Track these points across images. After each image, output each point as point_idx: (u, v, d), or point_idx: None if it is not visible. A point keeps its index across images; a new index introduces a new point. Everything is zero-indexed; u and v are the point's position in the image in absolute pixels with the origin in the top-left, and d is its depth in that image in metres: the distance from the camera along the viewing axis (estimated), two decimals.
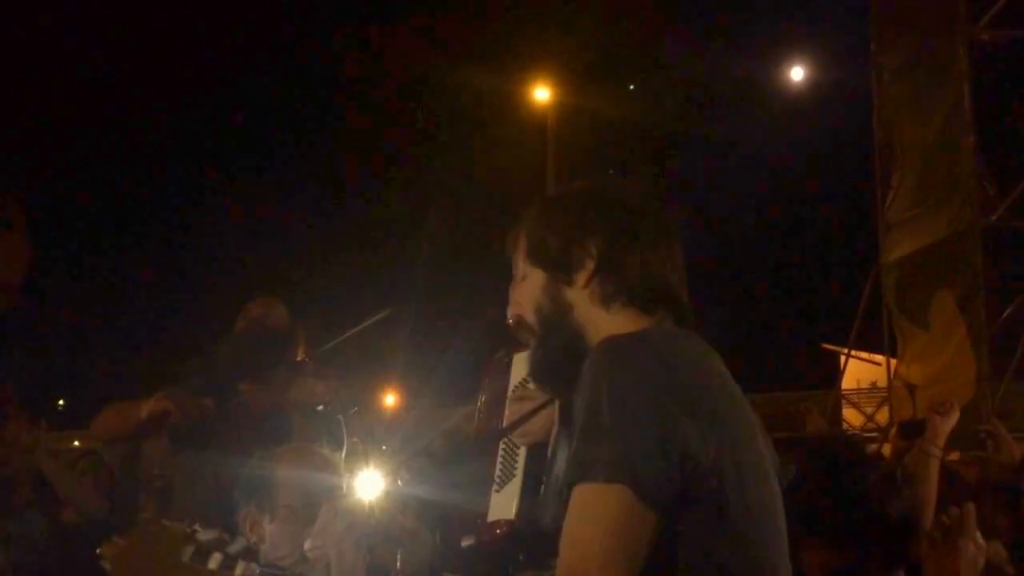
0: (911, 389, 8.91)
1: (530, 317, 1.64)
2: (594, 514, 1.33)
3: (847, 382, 11.13)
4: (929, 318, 9.05)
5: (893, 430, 8.46)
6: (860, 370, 11.14)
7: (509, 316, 1.69)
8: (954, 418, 3.44)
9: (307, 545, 1.70)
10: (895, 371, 9.56)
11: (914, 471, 3.15)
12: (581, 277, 1.59)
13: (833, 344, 12.38)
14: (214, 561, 1.35)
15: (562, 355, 1.59)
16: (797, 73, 13.13)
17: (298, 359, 3.41)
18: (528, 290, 1.64)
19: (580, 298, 1.59)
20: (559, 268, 1.60)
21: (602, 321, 1.57)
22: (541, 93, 14.00)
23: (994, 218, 8.60)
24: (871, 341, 10.41)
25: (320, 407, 3.46)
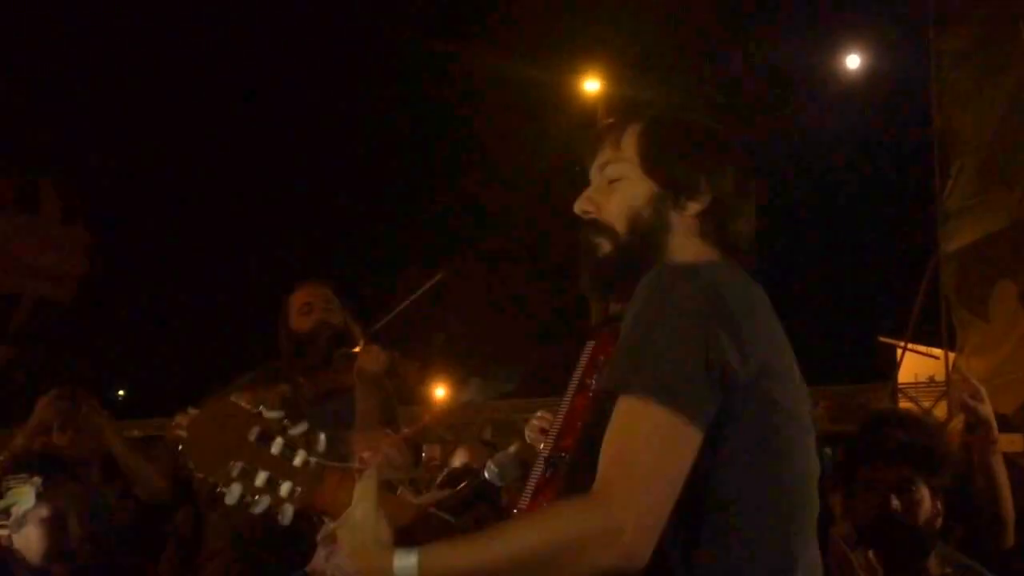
0: None
1: (619, 223, 1.60)
2: (637, 427, 1.33)
3: (904, 376, 10.94)
4: (990, 309, 8.84)
5: (953, 424, 8.31)
6: (917, 364, 10.93)
7: (579, 210, 1.64)
8: (987, 401, 3.40)
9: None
10: (954, 364, 9.36)
11: (982, 461, 3.12)
12: (694, 206, 1.59)
13: (890, 337, 12.13)
14: (276, 446, 1.39)
15: (638, 265, 1.56)
16: (853, 61, 12.88)
17: (356, 347, 3.42)
18: (626, 196, 1.61)
19: (683, 224, 1.59)
20: (677, 189, 1.59)
21: (692, 250, 1.58)
22: (591, 84, 13.93)
23: None
24: (929, 334, 10.20)
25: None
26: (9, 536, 2.72)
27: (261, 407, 1.41)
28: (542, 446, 2.15)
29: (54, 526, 2.71)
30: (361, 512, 1.37)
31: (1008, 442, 6.16)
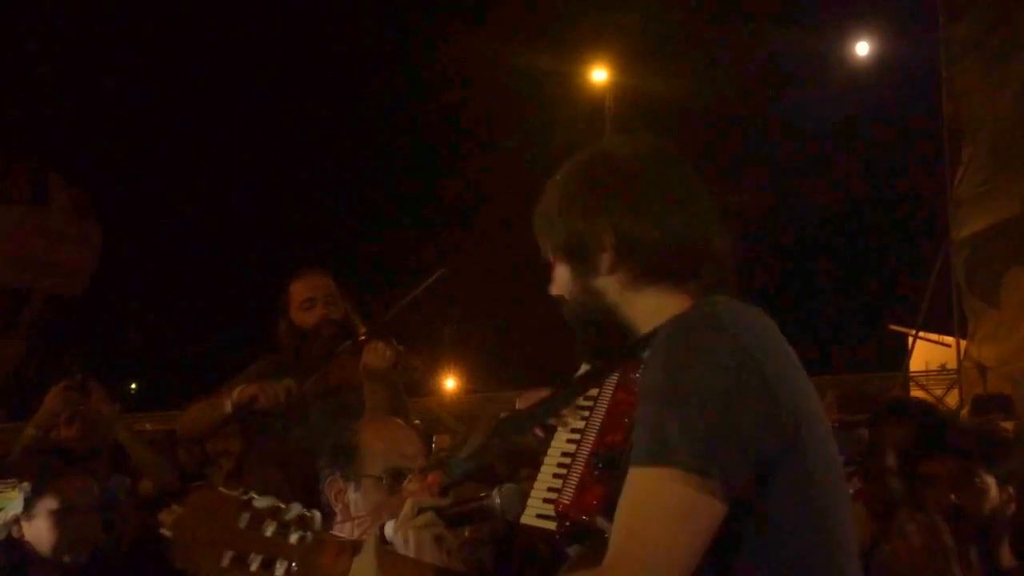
0: (982, 370, 8.69)
1: (567, 302, 1.57)
2: (657, 500, 1.26)
3: (915, 364, 10.89)
4: (1001, 296, 8.81)
5: (964, 410, 8.28)
6: (929, 351, 10.87)
7: (552, 293, 1.61)
8: None
9: (388, 530, 1.69)
10: (965, 351, 9.33)
11: None
12: (604, 263, 1.48)
13: (901, 325, 12.09)
14: (269, 528, 1.36)
15: (603, 337, 1.54)
16: (863, 48, 12.81)
17: (360, 337, 3.40)
18: (560, 281, 1.57)
19: (609, 284, 1.49)
20: (578, 259, 1.50)
21: (638, 303, 1.48)
22: (599, 74, 13.89)
23: None
24: (940, 322, 10.16)
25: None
26: (21, 529, 2.73)
27: (251, 494, 1.37)
28: (560, 439, 2.13)
29: (64, 517, 2.72)
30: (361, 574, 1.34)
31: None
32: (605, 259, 1.47)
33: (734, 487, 1.26)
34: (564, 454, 2.14)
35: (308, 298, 3.39)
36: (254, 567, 1.33)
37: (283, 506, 1.37)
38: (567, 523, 1.90)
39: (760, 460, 1.29)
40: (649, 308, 1.46)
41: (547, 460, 2.18)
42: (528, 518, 2.08)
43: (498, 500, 2.07)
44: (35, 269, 8.67)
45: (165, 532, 1.37)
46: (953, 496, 2.65)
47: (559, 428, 2.18)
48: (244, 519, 1.35)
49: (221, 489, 1.39)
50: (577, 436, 2.09)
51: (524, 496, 2.14)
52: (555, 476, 2.11)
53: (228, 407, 3.27)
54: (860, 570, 1.42)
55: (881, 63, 13.09)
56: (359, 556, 1.36)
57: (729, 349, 1.30)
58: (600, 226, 1.47)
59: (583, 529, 1.88)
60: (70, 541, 2.72)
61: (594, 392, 2.03)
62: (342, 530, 2.23)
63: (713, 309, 1.38)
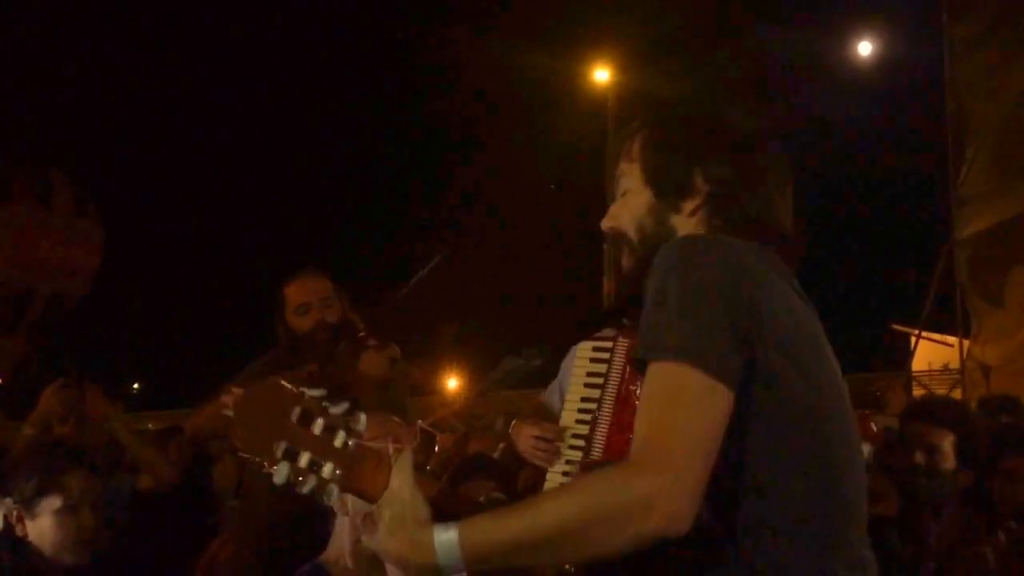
0: (985, 370, 8.67)
1: (631, 234, 1.60)
2: (671, 392, 1.31)
3: (918, 364, 10.87)
4: (1004, 296, 8.79)
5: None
6: (932, 351, 10.86)
7: (604, 226, 1.65)
8: None
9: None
10: (968, 351, 9.31)
11: None
12: (689, 205, 1.55)
13: (903, 325, 12.07)
14: (318, 427, 1.40)
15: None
16: (865, 48, 12.78)
17: (360, 333, 3.38)
18: (631, 207, 1.60)
19: (685, 225, 1.55)
20: (670, 192, 1.56)
21: None
22: (601, 74, 13.87)
23: None
24: (943, 321, 10.14)
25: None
26: (24, 529, 2.73)
27: (303, 388, 1.42)
28: (566, 454, 2.15)
29: (67, 516, 2.72)
30: (399, 491, 1.38)
31: None
32: (691, 203, 1.55)
33: (732, 370, 1.32)
34: (568, 461, 2.17)
35: (302, 303, 3.36)
36: (303, 463, 1.39)
37: (331, 402, 1.42)
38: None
39: (754, 352, 1.35)
40: None
41: (552, 470, 2.20)
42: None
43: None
44: (37, 269, 8.67)
45: (227, 412, 1.43)
46: None
47: (564, 415, 2.21)
48: (296, 413, 1.40)
49: (282, 381, 1.43)
50: (580, 442, 2.12)
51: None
52: (572, 448, 2.14)
53: (228, 408, 3.27)
54: (861, 477, 1.45)
55: (884, 63, 13.06)
56: (395, 473, 1.40)
57: (728, 258, 1.38)
58: (698, 171, 1.54)
59: None
60: (73, 541, 2.71)
61: (600, 371, 2.06)
62: (342, 526, 2.23)
63: (718, 236, 1.47)
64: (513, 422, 2.48)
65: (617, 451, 1.99)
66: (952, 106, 9.49)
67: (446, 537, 1.32)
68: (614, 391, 2.06)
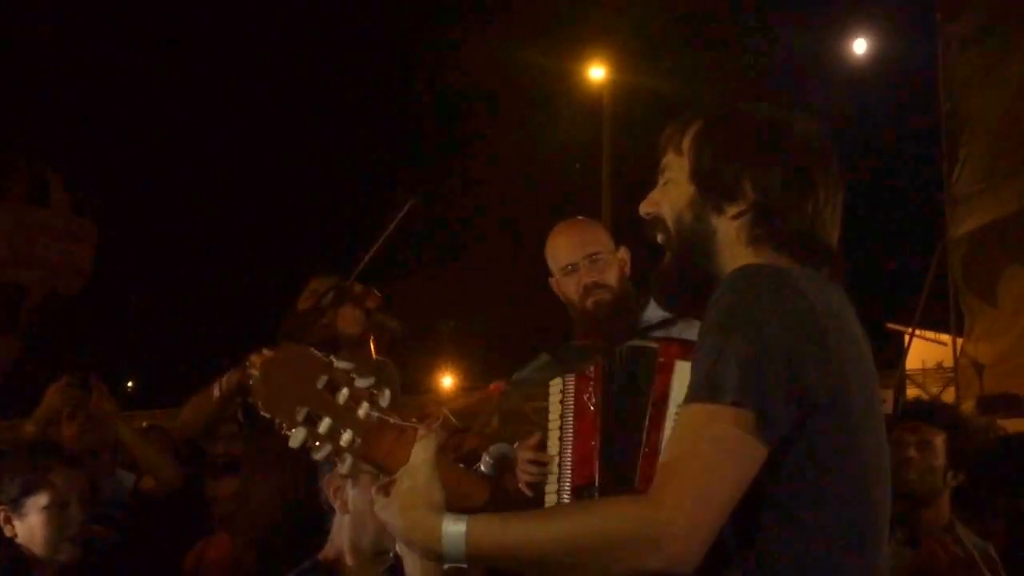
0: (979, 368, 8.70)
1: (669, 223, 1.58)
2: (704, 436, 1.30)
3: (912, 362, 10.89)
4: (998, 294, 8.82)
5: (964, 407, 8.28)
6: (925, 350, 10.90)
7: (642, 211, 1.62)
8: None
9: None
10: (962, 349, 9.34)
11: None
12: (733, 209, 1.51)
13: (897, 323, 12.09)
14: (342, 396, 1.40)
15: (689, 274, 1.55)
16: (860, 45, 12.80)
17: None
18: (672, 197, 1.57)
19: (725, 228, 1.52)
20: (714, 191, 1.53)
21: (744, 259, 1.50)
22: (596, 72, 13.88)
23: None
24: (937, 320, 10.17)
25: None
26: (13, 529, 2.72)
27: (332, 357, 1.42)
28: (553, 475, 2.16)
29: (55, 512, 2.71)
30: (418, 469, 1.37)
31: None
32: (735, 207, 1.52)
33: (777, 428, 1.31)
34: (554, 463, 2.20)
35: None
36: (323, 429, 1.39)
37: (357, 373, 1.42)
38: None
39: (804, 407, 1.33)
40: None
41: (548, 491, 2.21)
42: None
43: (489, 461, 2.09)
44: (34, 267, 8.66)
45: (253, 372, 1.44)
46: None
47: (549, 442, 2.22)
48: (322, 380, 1.40)
49: (310, 348, 1.44)
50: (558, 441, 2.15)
51: (512, 451, 2.18)
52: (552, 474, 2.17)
53: (216, 391, 3.23)
54: (884, 549, 1.44)
55: (879, 61, 13.09)
56: (417, 450, 1.39)
57: (790, 301, 1.36)
58: (748, 177, 1.51)
59: None
60: (62, 537, 2.71)
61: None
62: (341, 523, 2.23)
63: (784, 267, 1.44)
64: (516, 445, 2.44)
65: (581, 457, 2.02)
66: (946, 105, 9.51)
67: (454, 529, 1.32)
68: (571, 409, 2.10)
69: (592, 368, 2.05)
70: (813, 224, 1.51)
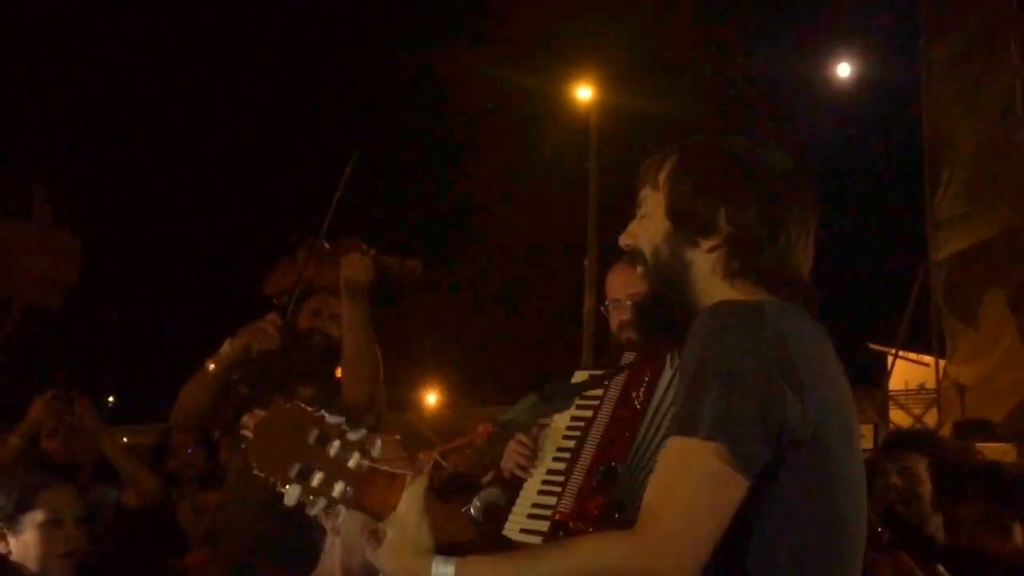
0: (961, 390, 8.75)
1: (647, 255, 1.59)
2: (688, 469, 1.32)
3: (895, 383, 10.96)
4: (979, 317, 8.89)
5: (944, 430, 8.32)
6: (908, 371, 10.96)
7: (621, 242, 1.64)
8: None
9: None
10: (944, 371, 9.40)
11: None
12: (707, 243, 1.53)
13: (880, 344, 12.18)
14: (333, 448, 1.43)
15: (666, 307, 1.57)
16: (844, 69, 12.94)
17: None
18: (649, 231, 1.59)
19: (701, 261, 1.54)
20: (689, 226, 1.54)
21: (720, 293, 1.52)
22: (584, 92, 13.96)
23: None
24: (919, 341, 10.24)
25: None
26: (7, 545, 2.70)
27: (323, 412, 1.45)
28: (557, 455, 2.14)
29: (51, 530, 2.69)
30: (407, 515, 1.40)
31: (1001, 452, 6.18)
32: (709, 242, 1.53)
33: (756, 462, 1.33)
34: (551, 471, 2.16)
35: (317, 308, 3.30)
36: (315, 482, 1.42)
37: (349, 426, 1.45)
38: (561, 532, 1.93)
39: (782, 443, 1.35)
40: (721, 298, 1.50)
41: (530, 479, 2.20)
42: (511, 532, 2.10)
43: (480, 506, 2.08)
44: (14, 280, 8.60)
45: (247, 434, 1.44)
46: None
47: (542, 450, 2.20)
48: (313, 435, 1.43)
49: (301, 405, 1.46)
50: (566, 455, 2.12)
51: (504, 499, 2.17)
52: (541, 492, 2.14)
53: (211, 367, 3.14)
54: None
55: (863, 84, 13.23)
56: (405, 496, 1.42)
57: (764, 337, 1.38)
58: (722, 211, 1.52)
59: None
60: (58, 555, 2.69)
61: (597, 394, 2.07)
62: (332, 545, 2.22)
63: (759, 303, 1.45)
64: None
65: (610, 439, 2.00)
66: (928, 129, 9.61)
67: (443, 571, 1.35)
68: (609, 412, 2.08)
69: (648, 372, 2.05)
70: (787, 257, 1.53)
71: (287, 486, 1.41)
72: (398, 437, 3.58)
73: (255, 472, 1.44)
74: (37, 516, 2.67)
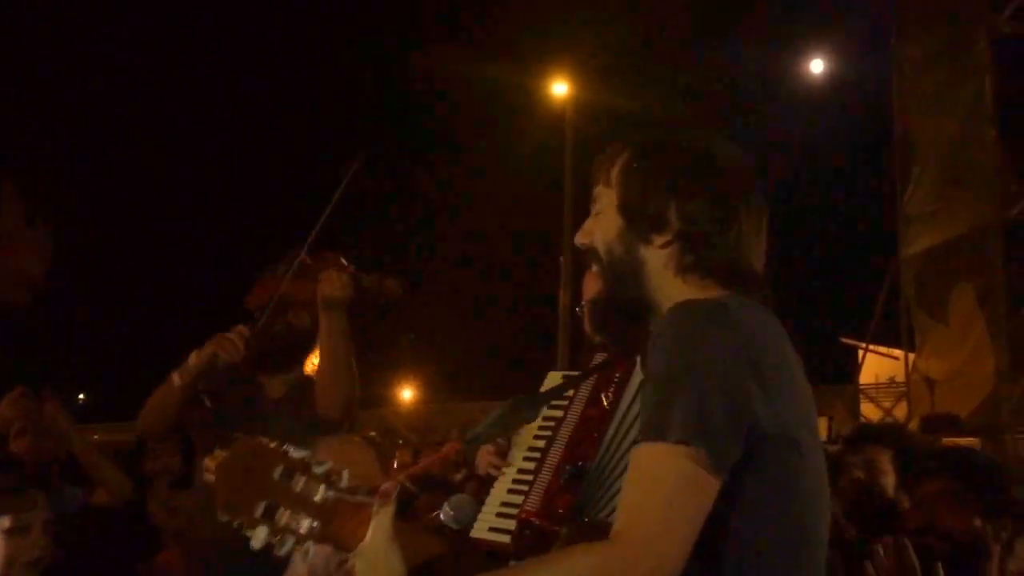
0: (930, 383, 8.86)
1: (601, 253, 1.59)
2: (660, 475, 1.33)
3: (865, 376, 11.07)
4: (948, 312, 9.00)
5: (912, 424, 8.42)
6: (878, 364, 11.07)
7: (577, 241, 1.64)
8: None
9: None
10: (913, 365, 9.51)
11: None
12: (660, 239, 1.53)
13: (851, 338, 12.29)
14: (298, 484, 1.41)
15: (622, 305, 1.58)
16: (817, 66, 13.04)
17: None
18: (603, 228, 1.59)
19: (654, 257, 1.54)
20: (641, 222, 1.54)
21: (674, 288, 1.52)
22: (559, 87, 13.97)
23: (1015, 213, 8.53)
24: (889, 335, 10.35)
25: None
26: None
27: (287, 447, 1.42)
28: (534, 455, 2.15)
29: (16, 537, 2.65)
30: (375, 545, 1.39)
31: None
32: (661, 237, 1.53)
33: (727, 461, 1.34)
34: (521, 471, 2.17)
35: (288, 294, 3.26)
36: (282, 521, 1.39)
37: (313, 462, 1.42)
38: (527, 531, 1.92)
39: (752, 439, 1.36)
40: (677, 294, 1.51)
41: (500, 478, 2.20)
42: (480, 531, 2.10)
43: (451, 512, 2.08)
44: None
45: (208, 477, 1.42)
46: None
47: (514, 449, 2.21)
48: (278, 471, 1.41)
49: (262, 439, 1.44)
50: (536, 455, 2.13)
51: (475, 502, 2.17)
52: (511, 491, 2.14)
53: (177, 380, 3.09)
54: (822, 566, 1.48)
55: (835, 81, 13.33)
56: (373, 526, 1.40)
57: (730, 337, 1.38)
58: (673, 207, 1.52)
59: (544, 539, 1.89)
60: (23, 562, 2.65)
61: (568, 395, 2.07)
62: (307, 551, 2.19)
63: (722, 301, 1.45)
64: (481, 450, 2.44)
65: (579, 438, 1.99)
66: (899, 126, 9.71)
67: None
68: (579, 412, 2.08)
69: (618, 373, 2.05)
70: (739, 251, 1.52)
71: (255, 528, 1.38)
72: (373, 434, 3.58)
73: (219, 516, 1.41)
74: (4, 523, 2.63)
